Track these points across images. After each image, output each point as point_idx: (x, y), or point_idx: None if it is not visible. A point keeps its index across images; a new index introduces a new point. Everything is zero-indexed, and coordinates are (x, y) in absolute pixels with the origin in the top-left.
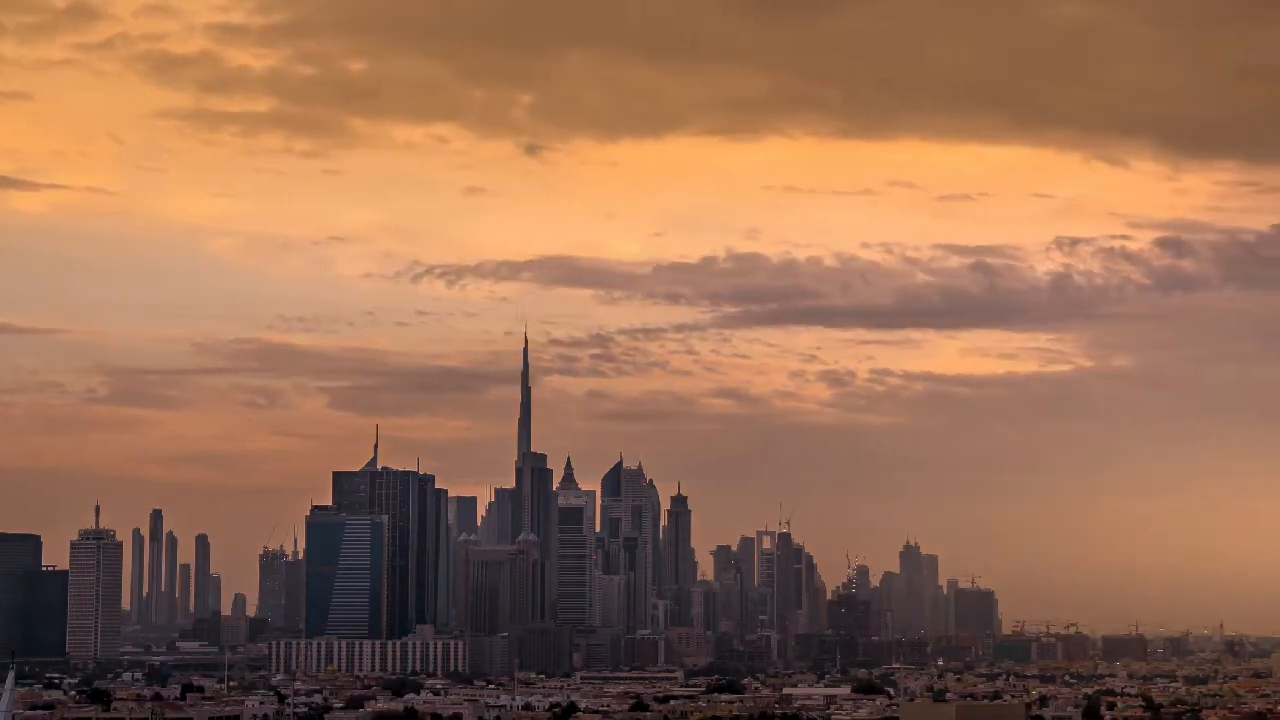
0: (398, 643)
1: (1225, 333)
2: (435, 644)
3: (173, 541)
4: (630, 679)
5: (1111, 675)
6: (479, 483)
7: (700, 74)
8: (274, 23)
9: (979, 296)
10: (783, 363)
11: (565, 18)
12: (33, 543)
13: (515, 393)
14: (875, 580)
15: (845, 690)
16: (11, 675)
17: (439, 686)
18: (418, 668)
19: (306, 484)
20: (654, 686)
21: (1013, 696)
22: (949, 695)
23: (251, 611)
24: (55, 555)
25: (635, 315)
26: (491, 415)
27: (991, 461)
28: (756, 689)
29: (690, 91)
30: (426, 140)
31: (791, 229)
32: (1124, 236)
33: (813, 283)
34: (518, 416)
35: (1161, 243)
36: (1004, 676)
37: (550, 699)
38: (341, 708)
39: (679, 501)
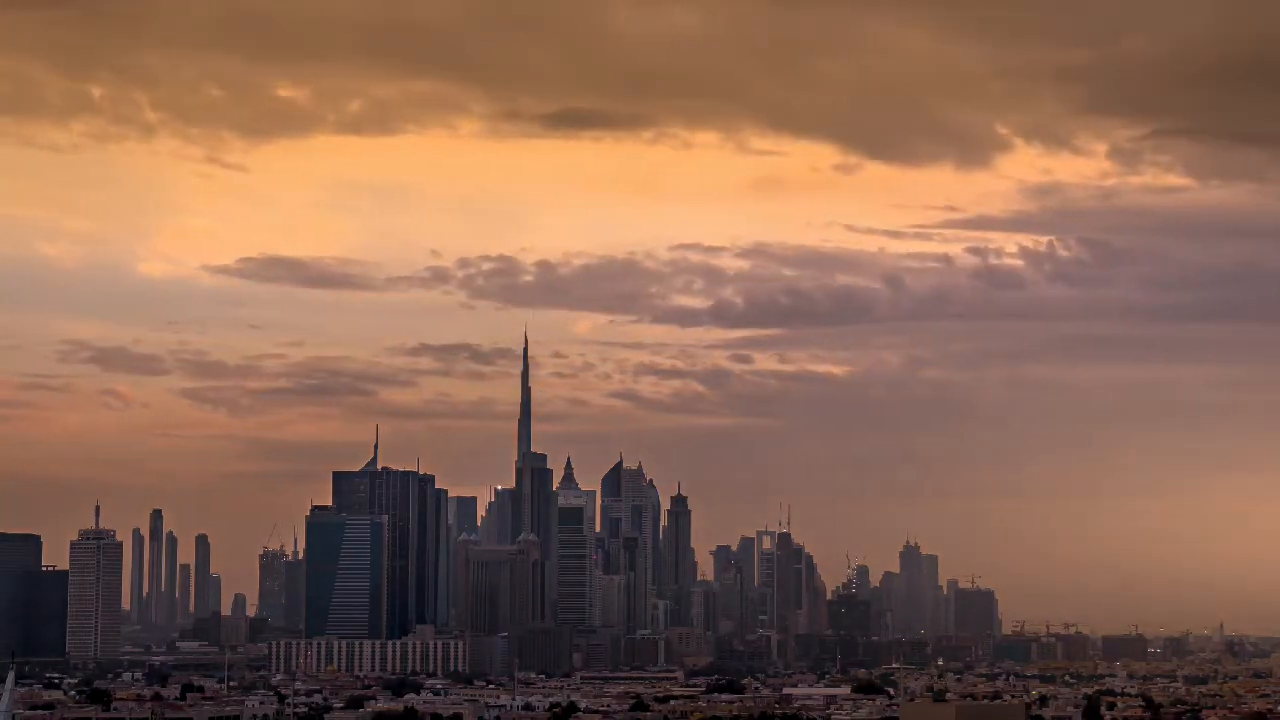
0: (398, 643)
1: (1091, 332)
2: (435, 644)
3: (173, 541)
4: (630, 679)
5: (1111, 675)
6: (479, 483)
7: (313, 73)
8: None
9: (819, 297)
10: (650, 362)
11: (155, 14)
12: (33, 543)
13: (511, 391)
14: (875, 580)
15: (845, 690)
16: (11, 675)
17: (439, 686)
18: (418, 668)
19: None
20: (654, 686)
21: (1013, 696)
22: (949, 695)
23: (251, 611)
24: (55, 555)
25: (478, 320)
26: (491, 415)
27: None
28: (756, 689)
29: (308, 90)
30: (83, 140)
31: (522, 230)
32: (919, 237)
33: (619, 283)
34: (518, 417)
35: (971, 248)
36: (1004, 676)
37: (550, 699)
38: (341, 708)
39: (679, 501)
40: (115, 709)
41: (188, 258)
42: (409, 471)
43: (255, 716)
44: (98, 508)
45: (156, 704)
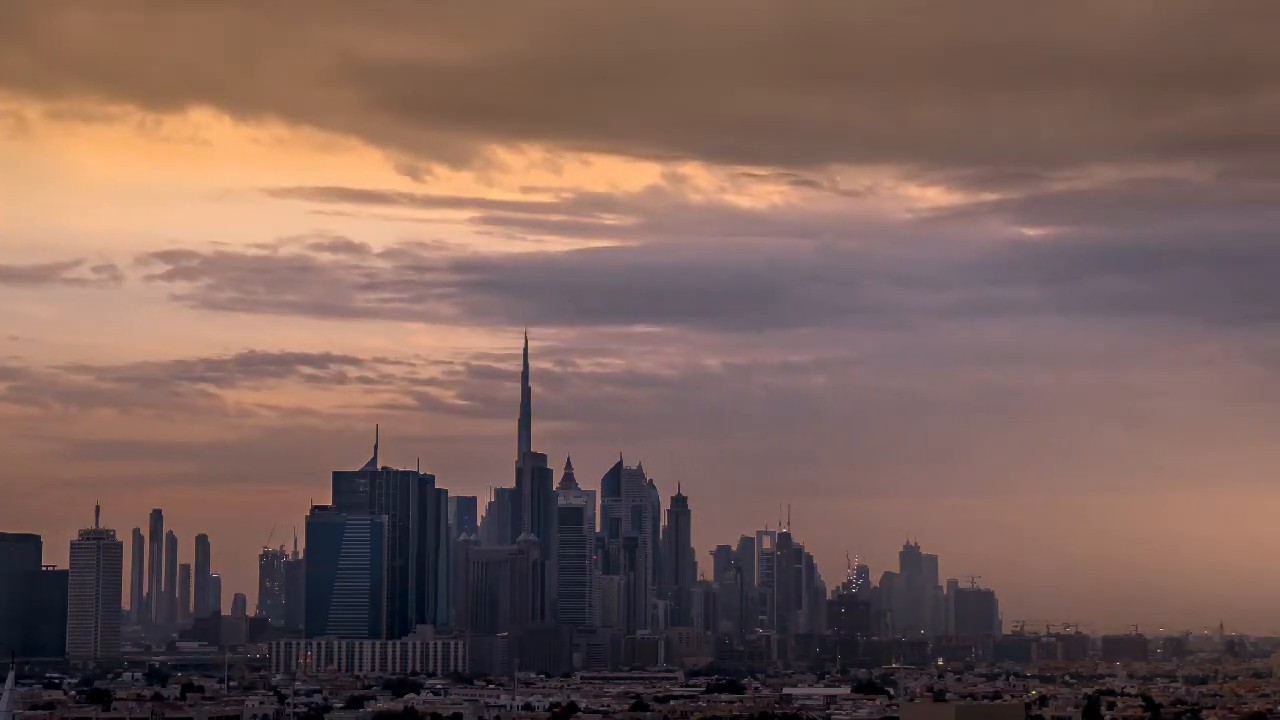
0: (398, 643)
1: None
2: (435, 644)
3: (173, 541)
4: (630, 679)
5: (1111, 675)
6: (479, 483)
7: None
8: None
9: (591, 296)
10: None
11: None
12: (33, 543)
13: (514, 392)
14: (875, 580)
15: (845, 690)
16: (11, 675)
17: (439, 686)
18: (418, 668)
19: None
20: (654, 686)
21: (1013, 696)
22: (949, 695)
23: (251, 611)
24: (55, 555)
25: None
26: (491, 415)
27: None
28: (756, 689)
29: None
30: None
31: (111, 225)
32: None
33: (316, 285)
34: (518, 417)
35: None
36: (1004, 676)
37: (550, 699)
38: (341, 708)
39: (679, 501)
40: (115, 709)
41: None
42: (409, 471)
43: (255, 716)
44: (97, 508)
45: (156, 704)
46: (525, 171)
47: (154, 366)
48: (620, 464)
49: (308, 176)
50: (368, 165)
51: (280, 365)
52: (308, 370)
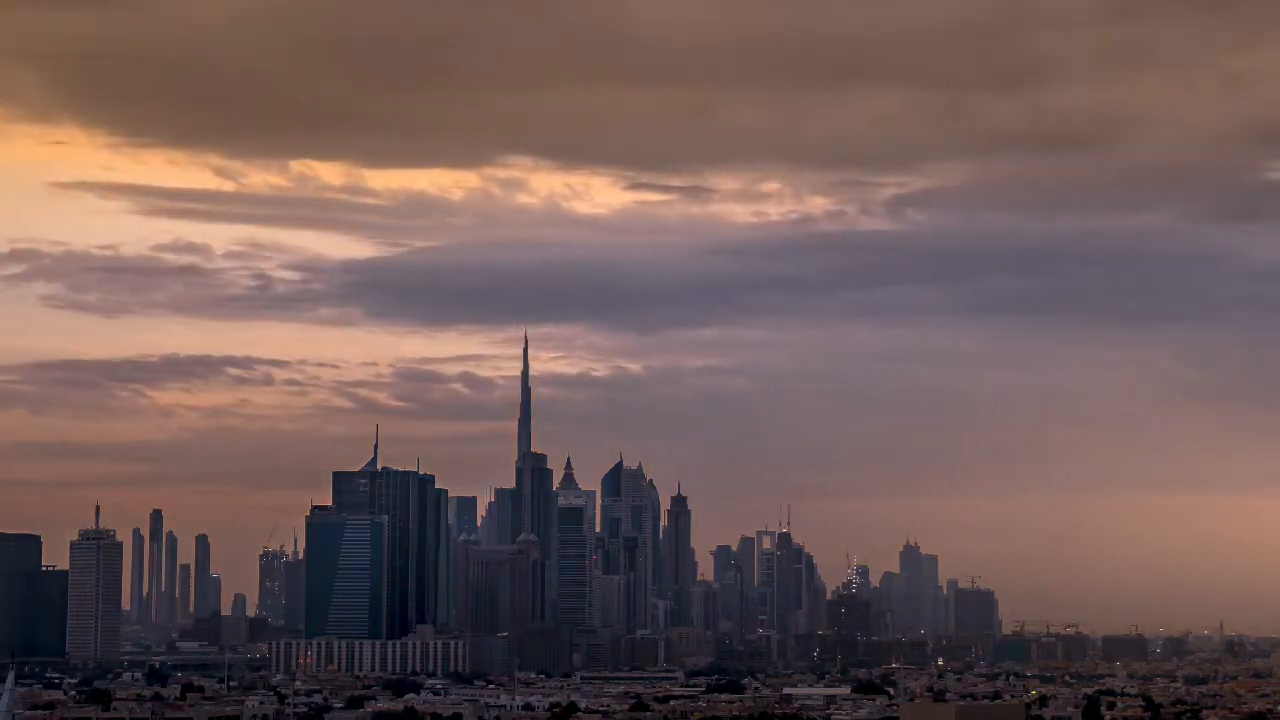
0: (398, 643)
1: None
2: (435, 644)
3: (173, 541)
4: (630, 679)
5: (1111, 675)
6: (479, 483)
7: None
8: None
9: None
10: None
11: None
12: (33, 543)
13: (513, 393)
14: (875, 580)
15: (845, 690)
16: (11, 675)
17: (439, 686)
18: (418, 668)
19: None
20: (654, 686)
21: (1013, 696)
22: (949, 695)
23: (251, 611)
24: (55, 555)
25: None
26: (492, 415)
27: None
28: (756, 689)
29: None
30: None
31: None
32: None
33: (203, 286)
34: (518, 417)
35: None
36: (1004, 676)
37: (550, 699)
38: (341, 708)
39: (679, 501)
40: (115, 709)
41: None
42: (409, 471)
43: (255, 716)
44: (98, 508)
45: (156, 704)
46: (346, 172)
47: (73, 366)
48: (620, 464)
49: (119, 176)
50: (176, 165)
51: (205, 367)
52: (235, 372)
